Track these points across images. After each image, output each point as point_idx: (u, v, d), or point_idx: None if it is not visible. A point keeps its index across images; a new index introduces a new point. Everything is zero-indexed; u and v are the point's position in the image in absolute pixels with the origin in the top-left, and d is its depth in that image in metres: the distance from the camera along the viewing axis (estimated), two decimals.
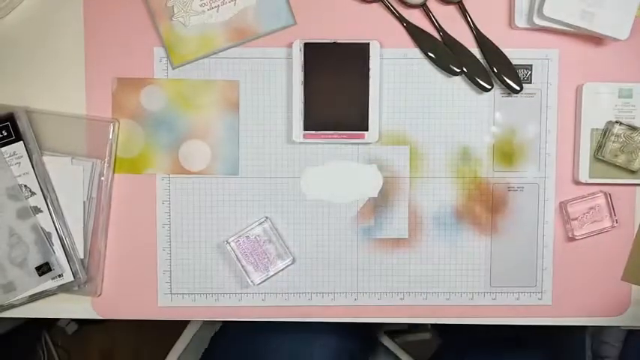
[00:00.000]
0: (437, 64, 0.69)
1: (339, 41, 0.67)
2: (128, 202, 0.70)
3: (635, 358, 0.96)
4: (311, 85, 0.67)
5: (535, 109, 0.70)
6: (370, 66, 0.67)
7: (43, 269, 0.68)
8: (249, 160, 0.70)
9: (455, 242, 0.71)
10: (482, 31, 0.69)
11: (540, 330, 0.73)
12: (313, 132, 0.68)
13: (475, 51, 0.69)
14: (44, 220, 0.68)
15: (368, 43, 0.67)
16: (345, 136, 0.68)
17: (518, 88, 0.68)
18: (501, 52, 0.68)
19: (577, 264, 0.71)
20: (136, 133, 0.70)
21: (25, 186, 0.67)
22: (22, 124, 0.67)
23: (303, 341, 0.77)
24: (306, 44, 0.67)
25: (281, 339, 0.77)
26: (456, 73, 0.69)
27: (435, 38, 0.69)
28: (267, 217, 0.70)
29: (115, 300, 0.71)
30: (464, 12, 0.69)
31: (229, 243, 0.69)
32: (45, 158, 0.68)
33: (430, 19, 0.69)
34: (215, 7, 0.68)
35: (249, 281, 0.69)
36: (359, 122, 0.68)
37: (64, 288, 0.69)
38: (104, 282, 0.70)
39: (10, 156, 0.67)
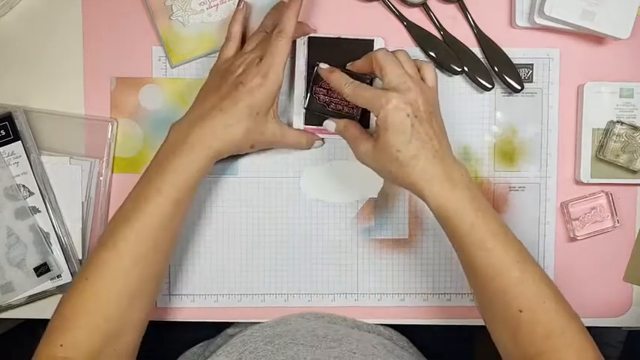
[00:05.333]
0: (437, 64, 0.68)
1: (343, 36, 0.67)
2: None
3: (636, 359, 0.96)
4: (314, 79, 0.67)
5: (536, 108, 0.70)
6: None
7: (42, 270, 0.67)
8: (249, 160, 0.70)
9: None
10: (483, 30, 0.68)
11: None
12: (314, 127, 0.68)
13: (476, 50, 0.69)
14: (42, 220, 0.67)
15: (372, 40, 0.67)
16: None
17: (519, 88, 0.68)
18: (502, 51, 0.68)
19: (578, 264, 0.71)
20: (135, 133, 0.69)
21: (24, 186, 0.67)
22: (20, 124, 0.67)
23: None
24: (310, 38, 0.67)
25: None
26: (456, 73, 0.68)
27: (436, 37, 0.69)
28: None
29: None
30: (464, 11, 0.68)
31: None
32: (43, 158, 0.68)
33: (431, 18, 0.68)
34: (214, 5, 0.68)
35: None
36: (360, 119, 0.67)
37: (63, 288, 0.68)
38: None
39: (8, 156, 0.67)
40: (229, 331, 0.74)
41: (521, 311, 0.55)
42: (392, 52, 0.61)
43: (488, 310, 0.58)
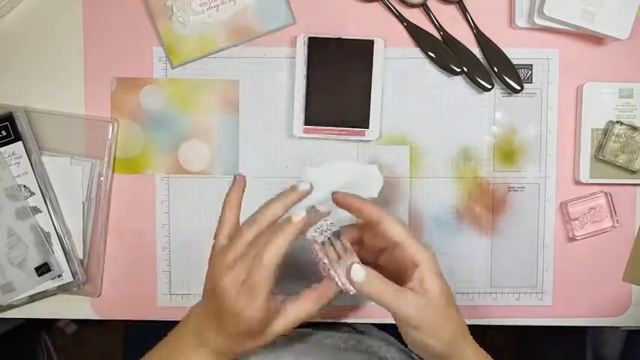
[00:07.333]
0: (437, 64, 0.69)
1: (343, 37, 0.67)
2: (127, 202, 0.70)
3: (636, 359, 0.96)
4: (314, 79, 0.67)
5: (536, 108, 0.70)
6: (374, 63, 0.67)
7: (43, 269, 0.67)
8: (249, 159, 0.70)
9: (455, 242, 0.71)
10: (482, 30, 0.69)
11: (540, 330, 0.73)
12: (314, 127, 0.68)
13: (475, 50, 0.69)
14: (43, 220, 0.67)
15: (372, 41, 0.67)
16: (345, 132, 0.68)
17: (518, 88, 0.68)
18: (502, 51, 0.68)
19: (578, 264, 0.71)
20: (136, 133, 0.69)
21: (24, 186, 0.67)
22: (21, 124, 0.67)
23: None
24: (310, 39, 0.67)
25: None
26: (456, 73, 0.69)
27: (436, 38, 0.69)
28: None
29: (115, 300, 0.71)
30: (464, 11, 0.68)
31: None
32: (44, 158, 0.68)
33: (430, 18, 0.69)
34: (214, 6, 0.68)
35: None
36: (360, 119, 0.67)
37: (64, 288, 0.68)
38: (103, 282, 0.70)
39: (9, 156, 0.67)
40: None
41: None
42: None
43: None
